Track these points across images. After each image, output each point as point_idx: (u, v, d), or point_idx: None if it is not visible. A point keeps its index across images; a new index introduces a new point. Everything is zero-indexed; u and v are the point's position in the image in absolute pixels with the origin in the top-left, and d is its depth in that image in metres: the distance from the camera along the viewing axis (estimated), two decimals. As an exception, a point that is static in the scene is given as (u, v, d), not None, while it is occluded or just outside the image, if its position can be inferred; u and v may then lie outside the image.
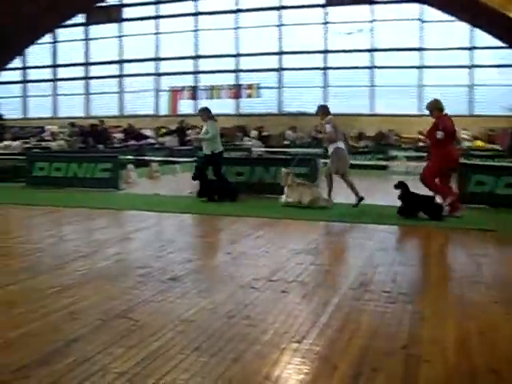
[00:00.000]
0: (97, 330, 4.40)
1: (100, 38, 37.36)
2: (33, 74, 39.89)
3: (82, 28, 37.89)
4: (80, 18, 37.76)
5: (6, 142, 18.14)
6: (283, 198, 11.55)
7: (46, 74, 39.30)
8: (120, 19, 36.65)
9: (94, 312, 4.82)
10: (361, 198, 11.32)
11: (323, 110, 11.89)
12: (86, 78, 38.17)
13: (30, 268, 6.43)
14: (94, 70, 37.87)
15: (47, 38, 38.99)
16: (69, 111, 36.57)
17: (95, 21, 37.16)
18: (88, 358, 3.85)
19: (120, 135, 25.90)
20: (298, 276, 6.02)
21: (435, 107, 10.61)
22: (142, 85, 35.93)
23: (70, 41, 38.31)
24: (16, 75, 40.34)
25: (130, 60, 36.52)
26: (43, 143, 22.20)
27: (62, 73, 38.95)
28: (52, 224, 10.34)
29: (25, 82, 40.20)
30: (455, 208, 10.38)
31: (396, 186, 10.31)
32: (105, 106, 36.17)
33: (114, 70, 37.13)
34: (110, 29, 36.75)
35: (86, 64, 38.05)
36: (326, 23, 31.88)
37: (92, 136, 22.27)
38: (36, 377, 3.58)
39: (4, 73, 40.61)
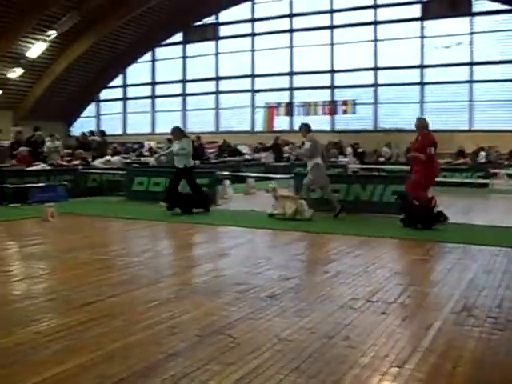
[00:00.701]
0: (195, 346, 4.39)
1: (197, 55, 38.28)
2: (132, 92, 41.31)
3: (179, 46, 38.94)
4: (178, 37, 38.85)
5: (106, 158, 18.79)
6: (271, 210, 12.26)
7: (145, 91, 40.60)
8: (216, 37, 37.43)
9: (192, 327, 4.83)
10: (341, 208, 12.21)
11: (305, 128, 12.88)
12: (183, 94, 39.13)
13: (129, 281, 6.56)
14: (191, 87, 38.76)
15: (147, 56, 40.35)
16: (166, 127, 37.48)
17: (192, 39, 38.12)
18: (186, 374, 3.84)
19: (214, 150, 26.30)
20: (398, 297, 5.83)
21: (423, 125, 11.59)
22: (237, 101, 36.43)
23: (168, 59, 39.47)
24: (117, 93, 41.93)
25: (226, 77, 37.15)
26: (142, 159, 22.88)
27: (160, 90, 40.13)
28: (150, 238, 10.58)
29: (125, 99, 41.70)
30: None
31: (397, 198, 11.20)
32: (201, 122, 36.93)
33: (210, 86, 37.87)
34: (207, 47, 37.56)
35: (183, 81, 39.03)
36: (423, 37, 31.29)
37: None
38: (135, 390, 3.61)
39: (106, 90, 42.32)
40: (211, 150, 25.94)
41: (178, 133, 13.88)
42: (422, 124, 11.64)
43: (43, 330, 4.74)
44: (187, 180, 13.56)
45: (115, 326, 4.87)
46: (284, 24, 34.98)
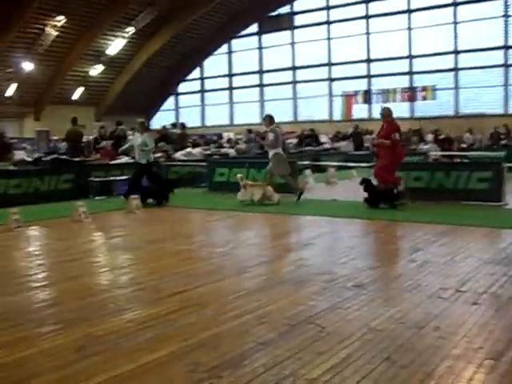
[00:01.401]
0: (285, 335, 4.40)
1: (272, 46, 38.26)
2: (210, 84, 41.76)
3: (255, 37, 39.03)
4: (253, 28, 38.96)
5: (187, 150, 19.08)
6: (238, 196, 13.17)
7: (222, 83, 40.96)
8: (292, 27, 37.30)
9: (280, 317, 4.84)
10: (300, 193, 13.34)
11: (269, 120, 13.86)
12: (260, 85, 39.24)
13: (215, 271, 6.64)
14: (268, 78, 38.82)
15: (223, 48, 40.67)
16: (244, 118, 37.77)
17: (268, 29, 38.11)
18: (277, 363, 3.85)
19: (292, 140, 26.24)
20: (490, 287, 5.65)
21: (388, 114, 12.55)
22: (314, 90, 36.23)
23: (244, 50, 39.63)
24: (194, 85, 42.48)
25: (303, 66, 36.99)
26: (222, 150, 23.10)
27: (237, 81, 40.38)
28: (233, 228, 10.69)
29: (203, 91, 42.20)
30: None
31: (361, 182, 12.21)
32: (279, 112, 36.93)
33: (287, 76, 37.82)
34: (283, 36, 37.48)
35: (260, 72, 39.12)
36: (507, 16, 30.09)
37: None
38: (228, 378, 3.64)
39: (184, 83, 42.95)
40: (290, 140, 25.86)
41: (140, 126, 14.04)
42: (386, 112, 12.56)
43: (134, 319, 4.87)
44: (150, 175, 13.95)
45: (204, 315, 4.95)
46: (360, 10, 34.45)
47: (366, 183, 12.13)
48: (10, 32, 30.82)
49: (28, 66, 32.34)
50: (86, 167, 15.87)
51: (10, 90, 32.74)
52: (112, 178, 15.53)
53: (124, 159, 16.84)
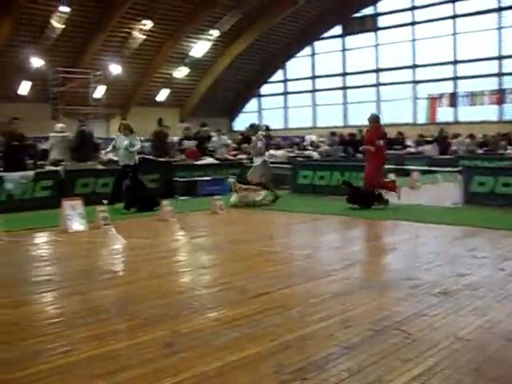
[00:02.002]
0: (369, 340, 4.37)
1: (356, 48, 37.95)
2: (293, 86, 41.82)
3: (338, 39, 38.82)
4: (337, 30, 38.77)
5: (271, 151, 19.17)
6: (231, 200, 13.52)
7: (305, 85, 40.93)
8: (375, 28, 36.88)
9: (365, 321, 4.80)
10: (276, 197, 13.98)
11: (255, 128, 15.13)
12: (344, 88, 38.99)
13: (299, 274, 6.67)
14: (351, 80, 38.52)
15: (306, 50, 40.66)
16: (327, 121, 37.61)
17: (351, 31, 37.85)
18: (362, 368, 3.83)
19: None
20: None
21: (375, 120, 13.35)
22: (399, 93, 35.66)
23: (327, 52, 39.49)
24: (277, 87, 42.66)
25: (387, 68, 36.51)
26: (305, 152, 23.11)
27: (320, 84, 40.26)
28: (316, 231, 10.67)
29: (285, 93, 42.31)
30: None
31: (342, 184, 13.37)
32: (362, 115, 36.48)
33: (370, 79, 37.41)
34: (366, 38, 37.12)
35: (343, 74, 38.88)
36: None
37: (352, 145, 22.63)
38: (312, 380, 3.64)
39: (267, 85, 43.22)
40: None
41: (126, 127, 13.88)
42: (373, 119, 13.37)
43: (220, 318, 4.95)
44: (133, 177, 13.56)
45: (289, 317, 4.97)
46: (446, 10, 33.64)
47: (346, 185, 13.09)
48: (100, 36, 31.93)
49: (116, 68, 33.34)
50: (171, 167, 16.21)
51: (99, 92, 33.82)
52: (196, 179, 15.80)
53: (208, 160, 17.11)
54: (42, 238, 10.00)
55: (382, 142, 12.96)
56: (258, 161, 14.18)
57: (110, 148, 14.48)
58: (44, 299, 5.87)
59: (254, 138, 14.54)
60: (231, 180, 13.96)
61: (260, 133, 14.76)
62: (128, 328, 4.78)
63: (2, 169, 14.05)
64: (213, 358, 4.01)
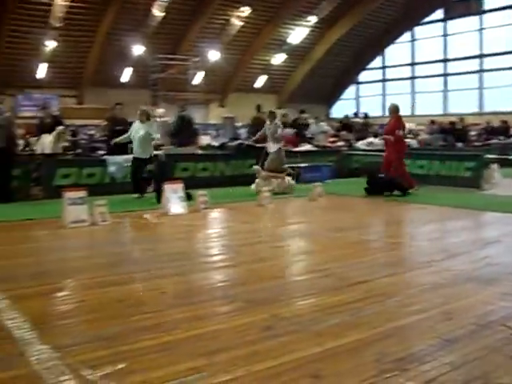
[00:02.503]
0: (472, 334, 4.23)
1: (458, 32, 36.64)
2: (391, 73, 41.00)
3: (440, 24, 37.65)
4: (438, 14, 37.60)
5: (369, 139, 19.00)
6: (252, 187, 13.51)
7: (404, 72, 40.02)
8: (480, 11, 35.46)
9: (467, 315, 4.67)
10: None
11: (273, 115, 14.51)
12: (444, 74, 37.84)
13: (399, 263, 6.60)
14: (452, 67, 37.31)
15: (406, 36, 39.71)
16: (426, 109, 36.64)
17: (454, 15, 36.58)
18: (465, 362, 3.72)
19: (476, 132, 25.07)
20: None
21: (395, 110, 13.58)
22: (503, 80, 34.19)
23: (427, 38, 38.40)
24: (376, 74, 41.96)
25: (491, 54, 35.08)
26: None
27: (420, 70, 39.25)
28: (417, 220, 10.48)
29: (384, 80, 41.57)
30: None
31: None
32: (463, 103, 35.36)
33: (473, 65, 36.07)
34: (469, 22, 35.77)
35: (445, 60, 37.70)
36: None
37: (452, 134, 22.01)
38: (413, 371, 3.58)
39: (365, 72, 42.61)
40: (473, 132, 24.73)
41: (143, 113, 12.87)
42: (392, 109, 13.60)
43: (320, 304, 4.96)
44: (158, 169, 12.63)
45: (389, 306, 4.92)
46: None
47: (368, 175, 13.18)
48: (198, 23, 32.48)
49: (214, 55, 33.80)
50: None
51: (198, 79, 34.43)
52: (294, 165, 15.83)
53: (306, 147, 17.14)
54: (143, 220, 10.36)
55: (401, 132, 13.32)
56: (274, 147, 14.03)
57: (123, 137, 13.33)
58: (147, 278, 6.08)
59: (272, 125, 14.24)
60: (256, 167, 13.79)
61: (277, 119, 14.55)
62: (228, 310, 4.88)
63: (105, 152, 14.64)
64: (313, 343, 4.02)
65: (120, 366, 3.65)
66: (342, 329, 4.32)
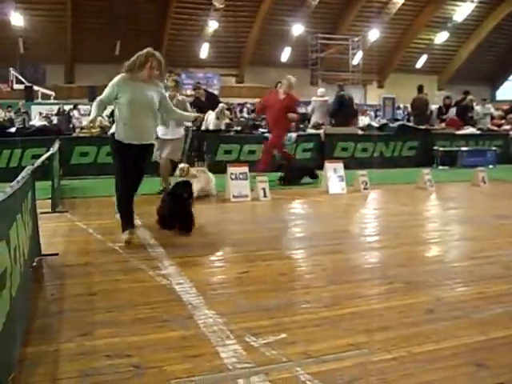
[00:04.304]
0: None
1: None
2: None
3: None
4: None
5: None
6: None
7: None
8: None
9: None
10: None
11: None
12: None
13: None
14: None
15: None
16: None
17: None
18: None
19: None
20: None
21: (291, 87, 12.14)
22: None
23: None
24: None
25: None
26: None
27: None
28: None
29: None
30: None
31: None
32: None
33: None
34: None
35: None
36: None
37: None
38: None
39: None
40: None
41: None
42: (290, 85, 12.11)
43: (484, 292, 4.80)
44: None
45: None
46: None
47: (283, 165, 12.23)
48: (358, 3, 32.09)
49: (374, 34, 33.31)
50: (431, 136, 15.91)
51: (356, 59, 34.13)
52: (457, 149, 15.33)
53: (469, 130, 16.50)
54: (303, 197, 10.53)
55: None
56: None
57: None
58: (306, 254, 6.23)
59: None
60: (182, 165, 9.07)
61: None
62: (389, 290, 4.86)
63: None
64: (476, 330, 3.92)
65: (281, 336, 3.78)
66: (507, 319, 4.16)
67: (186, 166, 8.92)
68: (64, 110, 25.47)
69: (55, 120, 22.82)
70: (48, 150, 8.72)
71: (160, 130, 9.42)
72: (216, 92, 25.39)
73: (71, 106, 25.79)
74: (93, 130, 13.05)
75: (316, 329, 3.96)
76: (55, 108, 26.26)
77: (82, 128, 16.18)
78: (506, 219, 8.28)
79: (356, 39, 33.36)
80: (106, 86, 6.41)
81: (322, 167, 11.24)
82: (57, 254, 5.82)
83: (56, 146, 9.97)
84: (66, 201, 9.21)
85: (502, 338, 3.82)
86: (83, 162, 12.70)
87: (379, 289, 4.93)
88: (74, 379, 3.16)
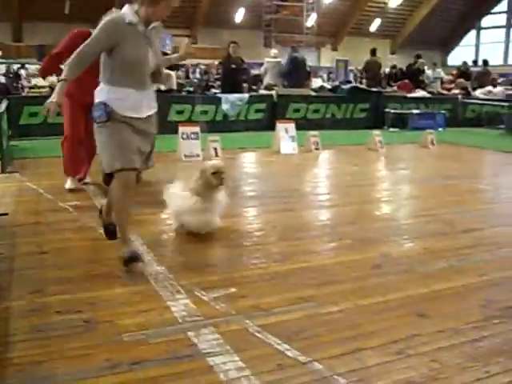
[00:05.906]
0: None
1: None
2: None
3: None
4: None
5: (487, 88, 18.18)
6: None
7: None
8: None
9: None
10: None
11: None
12: None
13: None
14: None
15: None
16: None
17: None
18: None
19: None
20: None
21: None
22: None
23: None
24: (499, 19, 39.78)
25: None
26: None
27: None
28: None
29: (508, 26, 39.37)
30: None
31: None
32: None
33: None
34: None
35: None
36: None
37: None
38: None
39: (488, 17, 40.50)
40: None
41: None
42: None
43: (429, 247, 4.96)
44: None
45: (500, 255, 4.82)
46: None
47: None
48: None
49: (328, -3, 33.20)
50: (382, 98, 16.07)
51: (310, 21, 33.99)
52: (408, 111, 15.54)
53: (420, 93, 16.72)
54: (254, 157, 10.57)
55: None
56: None
57: None
58: (257, 212, 6.33)
59: None
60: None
61: None
62: (338, 247, 4.98)
63: (219, 91, 14.91)
64: (420, 283, 4.06)
65: (231, 291, 3.85)
66: (449, 273, 4.32)
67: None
68: (13, 70, 24.75)
69: (2, 79, 22.16)
70: (-5, 110, 8.52)
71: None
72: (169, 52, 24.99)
73: (19, 66, 25.08)
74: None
75: (266, 283, 4.04)
76: (3, 67, 25.48)
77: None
78: (452, 179, 8.50)
79: (311, 1, 33.16)
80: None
81: (273, 127, 11.30)
82: (6, 214, 5.74)
83: (3, 105, 9.70)
84: (15, 161, 9.02)
85: (444, 290, 3.97)
86: (33, 123, 12.40)
87: (329, 245, 5.04)
88: (25, 335, 3.16)
